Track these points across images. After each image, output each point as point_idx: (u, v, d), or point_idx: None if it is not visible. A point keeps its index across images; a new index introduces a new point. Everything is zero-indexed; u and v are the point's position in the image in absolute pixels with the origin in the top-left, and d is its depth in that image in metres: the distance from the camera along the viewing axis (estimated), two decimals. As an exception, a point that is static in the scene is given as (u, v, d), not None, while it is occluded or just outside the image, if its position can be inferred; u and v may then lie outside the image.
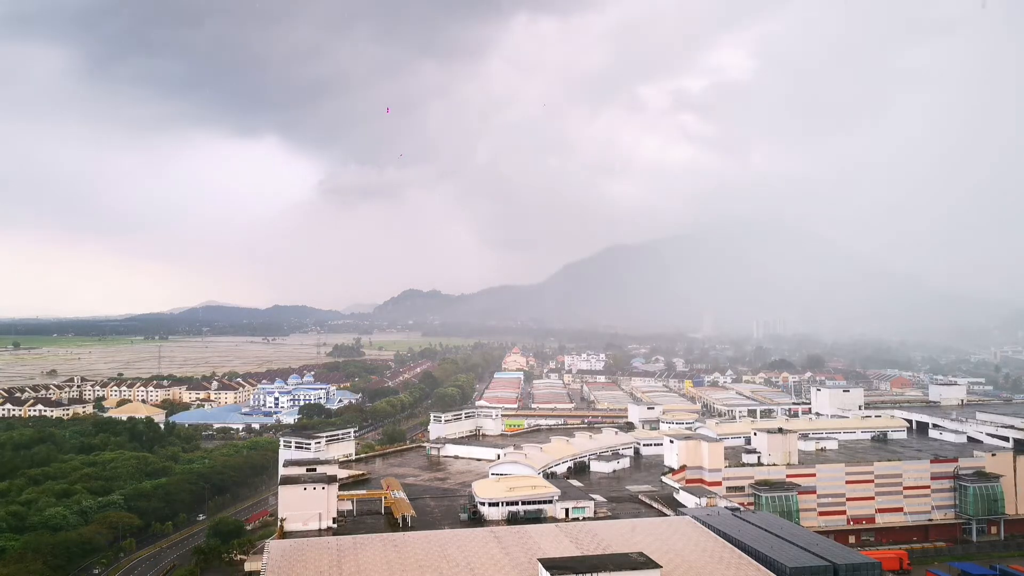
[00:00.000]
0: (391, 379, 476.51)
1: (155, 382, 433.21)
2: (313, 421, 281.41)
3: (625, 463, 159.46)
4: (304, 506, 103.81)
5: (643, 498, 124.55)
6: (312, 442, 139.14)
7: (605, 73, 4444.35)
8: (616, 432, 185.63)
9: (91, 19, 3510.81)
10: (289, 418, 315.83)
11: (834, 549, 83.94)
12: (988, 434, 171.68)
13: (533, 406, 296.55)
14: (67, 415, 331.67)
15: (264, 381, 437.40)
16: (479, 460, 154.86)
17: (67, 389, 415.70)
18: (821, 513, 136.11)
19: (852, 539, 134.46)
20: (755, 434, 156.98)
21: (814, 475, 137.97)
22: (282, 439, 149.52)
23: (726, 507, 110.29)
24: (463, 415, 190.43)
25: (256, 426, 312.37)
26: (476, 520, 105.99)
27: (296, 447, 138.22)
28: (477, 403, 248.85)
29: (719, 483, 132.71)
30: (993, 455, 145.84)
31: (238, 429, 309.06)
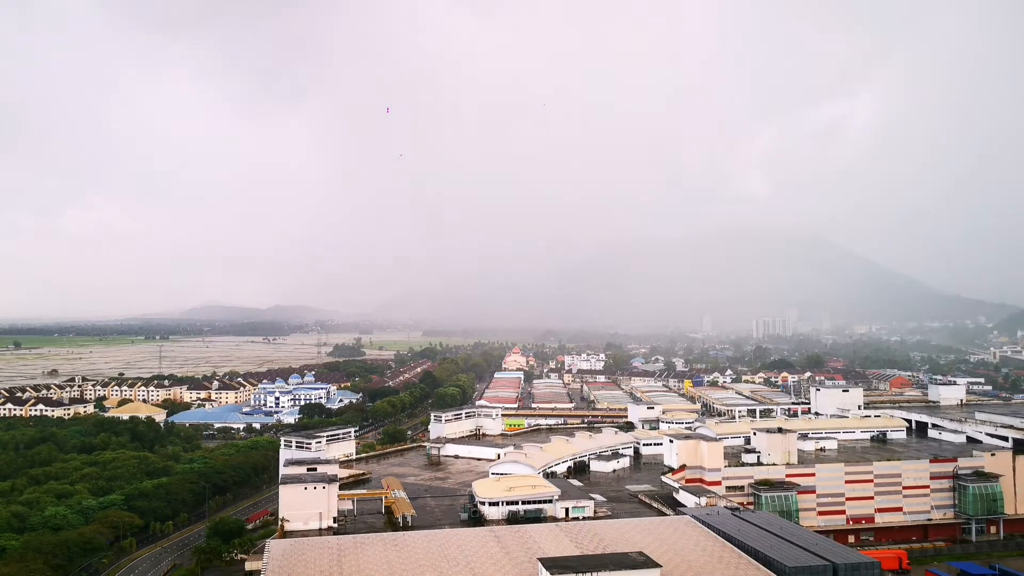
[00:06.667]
0: (391, 379, 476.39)
1: (156, 382, 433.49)
2: (313, 421, 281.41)
3: (625, 463, 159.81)
4: (305, 506, 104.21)
5: (643, 498, 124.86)
6: (313, 442, 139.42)
7: (607, 71, 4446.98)
8: (616, 432, 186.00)
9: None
10: (290, 418, 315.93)
11: (834, 549, 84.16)
12: (987, 434, 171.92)
13: (533, 406, 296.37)
14: (68, 415, 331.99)
15: (265, 381, 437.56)
16: (479, 460, 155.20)
17: (68, 389, 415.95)
18: (820, 513, 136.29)
19: (851, 539, 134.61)
20: (755, 434, 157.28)
21: (813, 475, 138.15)
22: (283, 439, 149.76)
23: (726, 507, 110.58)
24: (463, 415, 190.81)
25: (257, 426, 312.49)
26: (476, 519, 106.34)
27: (297, 447, 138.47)
28: (477, 403, 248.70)
29: (719, 483, 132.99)
30: (992, 455, 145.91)
31: (239, 429, 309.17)
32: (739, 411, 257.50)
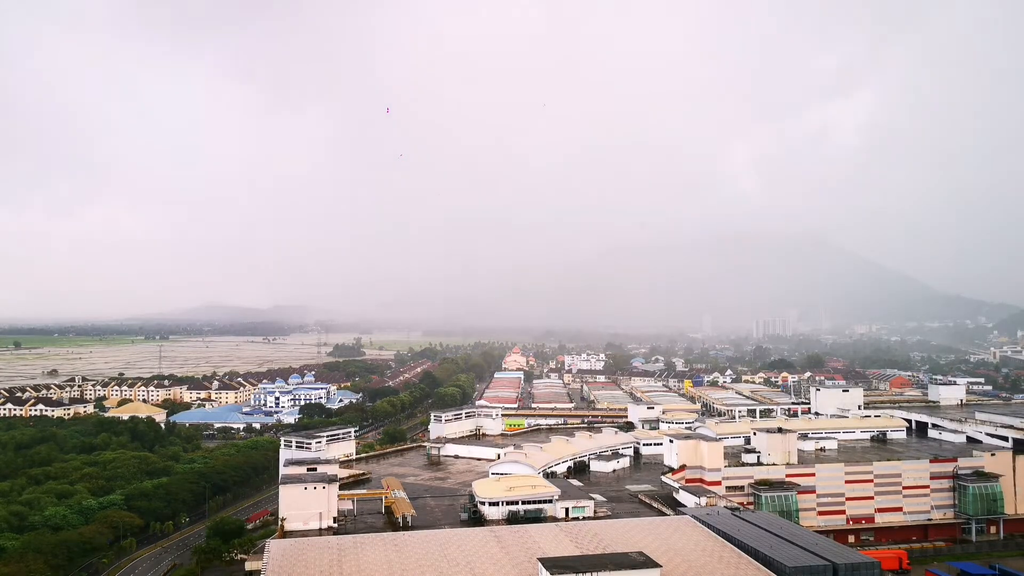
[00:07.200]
0: (391, 379, 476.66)
1: (156, 382, 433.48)
2: (313, 421, 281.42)
3: (625, 463, 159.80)
4: (305, 506, 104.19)
5: (643, 498, 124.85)
6: (313, 442, 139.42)
7: (606, 72, 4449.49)
8: (616, 432, 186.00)
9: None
10: (290, 418, 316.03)
11: (834, 549, 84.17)
12: (987, 434, 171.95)
13: (533, 406, 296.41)
14: (68, 415, 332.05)
15: (265, 381, 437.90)
16: (479, 460, 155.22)
17: (68, 389, 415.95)
18: (821, 513, 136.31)
19: (851, 539, 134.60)
20: (755, 434, 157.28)
21: (813, 475, 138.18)
22: (283, 439, 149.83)
23: (726, 507, 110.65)
24: (463, 415, 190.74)
25: (257, 426, 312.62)
26: (476, 520, 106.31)
27: (297, 447, 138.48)
28: (477, 403, 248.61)
29: (719, 483, 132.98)
30: (992, 455, 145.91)
31: (239, 429, 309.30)
32: (739, 411, 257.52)
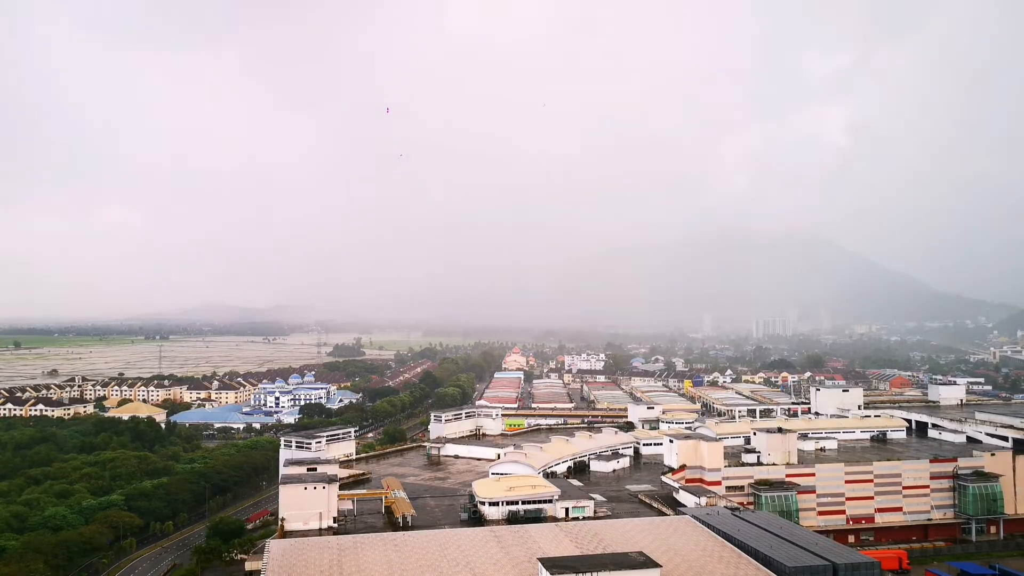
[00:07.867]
0: (391, 379, 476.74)
1: (156, 382, 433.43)
2: (313, 421, 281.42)
3: (625, 463, 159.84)
4: (305, 505, 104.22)
5: (643, 498, 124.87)
6: (313, 442, 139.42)
7: (605, 73, 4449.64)
8: (616, 432, 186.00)
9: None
10: (290, 418, 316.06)
11: (834, 548, 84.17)
12: (987, 434, 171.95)
13: (533, 406, 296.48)
14: (68, 415, 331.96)
15: (265, 381, 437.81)
16: (479, 460, 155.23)
17: (68, 389, 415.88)
18: (820, 513, 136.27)
19: (851, 539, 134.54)
20: (755, 434, 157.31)
21: (813, 475, 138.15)
22: (283, 439, 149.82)
23: (726, 507, 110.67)
24: (463, 415, 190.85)
25: (257, 426, 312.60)
26: (476, 520, 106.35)
27: (297, 447, 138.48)
28: (477, 403, 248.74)
29: (719, 483, 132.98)
30: (992, 455, 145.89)
31: (239, 429, 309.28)
32: (739, 411, 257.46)
